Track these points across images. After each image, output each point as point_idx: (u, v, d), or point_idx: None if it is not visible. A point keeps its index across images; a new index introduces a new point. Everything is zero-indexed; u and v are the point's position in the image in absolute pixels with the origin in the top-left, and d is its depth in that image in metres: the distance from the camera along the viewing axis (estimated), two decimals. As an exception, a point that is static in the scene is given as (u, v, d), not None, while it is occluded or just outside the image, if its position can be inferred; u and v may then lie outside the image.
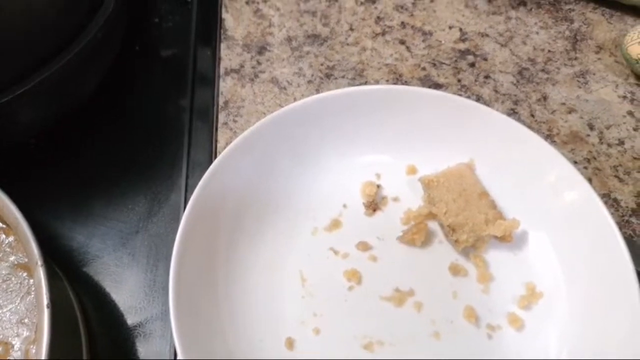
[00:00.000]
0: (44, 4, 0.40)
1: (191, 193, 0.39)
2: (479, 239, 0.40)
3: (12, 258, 0.38)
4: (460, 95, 0.48)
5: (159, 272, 0.43)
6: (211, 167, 0.39)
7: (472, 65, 0.51)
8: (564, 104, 0.49)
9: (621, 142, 0.47)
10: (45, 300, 0.32)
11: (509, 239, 0.40)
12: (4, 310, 0.36)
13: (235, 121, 0.48)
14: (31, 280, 0.37)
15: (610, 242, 0.37)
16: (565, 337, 0.37)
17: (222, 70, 0.51)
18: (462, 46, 0.52)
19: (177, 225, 0.44)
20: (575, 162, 0.46)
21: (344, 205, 0.43)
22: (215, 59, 0.52)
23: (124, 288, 0.43)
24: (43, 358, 0.31)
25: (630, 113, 0.48)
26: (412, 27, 0.53)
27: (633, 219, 0.44)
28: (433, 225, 0.42)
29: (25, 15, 0.39)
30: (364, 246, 0.41)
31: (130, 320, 0.41)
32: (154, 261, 0.43)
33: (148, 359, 0.40)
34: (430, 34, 0.53)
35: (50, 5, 0.41)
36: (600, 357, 0.35)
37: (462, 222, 0.40)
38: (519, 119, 0.47)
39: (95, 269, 0.43)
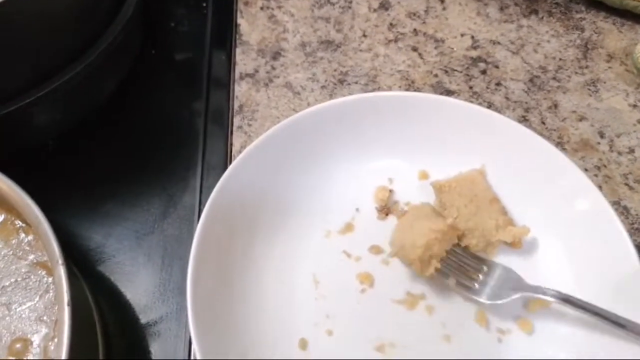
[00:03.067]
0: (63, 9, 0.41)
1: (205, 195, 0.39)
2: (489, 244, 0.40)
3: (31, 256, 0.39)
4: (471, 102, 0.49)
5: (174, 272, 0.44)
6: (228, 170, 0.40)
7: (484, 72, 0.52)
8: (574, 111, 0.50)
9: (631, 150, 0.47)
10: (65, 298, 0.33)
11: (518, 245, 0.41)
12: (24, 307, 0.37)
13: (250, 125, 0.49)
14: (50, 279, 0.38)
15: (621, 249, 0.37)
16: (574, 343, 0.37)
17: (237, 75, 0.52)
18: (473, 53, 0.53)
19: (192, 226, 0.45)
20: (585, 170, 0.46)
21: (357, 209, 0.43)
22: (230, 63, 0.53)
23: (139, 287, 0.43)
24: (63, 355, 0.32)
25: (641, 121, 0.49)
26: (425, 34, 0.54)
27: (643, 227, 0.44)
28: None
29: (44, 21, 0.40)
30: (376, 250, 0.42)
31: (145, 319, 0.42)
32: (169, 261, 0.44)
33: (161, 358, 0.41)
34: (443, 41, 0.54)
35: (69, 11, 0.42)
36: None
37: (472, 227, 0.40)
38: (530, 126, 0.48)
39: (111, 268, 0.44)
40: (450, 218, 0.40)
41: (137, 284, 0.43)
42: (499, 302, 0.38)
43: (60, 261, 0.34)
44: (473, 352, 0.38)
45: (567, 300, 0.36)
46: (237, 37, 0.54)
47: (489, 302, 0.38)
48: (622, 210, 0.45)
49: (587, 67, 0.52)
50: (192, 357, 0.40)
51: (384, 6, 0.56)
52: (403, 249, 0.38)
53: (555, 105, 0.50)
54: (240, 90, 0.51)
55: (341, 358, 0.38)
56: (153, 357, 0.41)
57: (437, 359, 0.38)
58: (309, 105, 0.49)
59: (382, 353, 0.38)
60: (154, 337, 0.41)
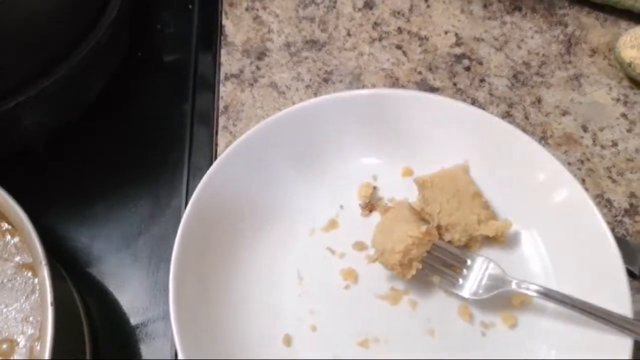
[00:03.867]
0: (49, 10, 0.41)
1: (192, 196, 0.40)
2: (471, 238, 0.41)
3: (17, 258, 0.39)
4: (455, 98, 0.49)
5: (161, 273, 0.44)
6: (210, 169, 0.40)
7: (468, 69, 0.52)
8: (558, 106, 0.50)
9: (614, 144, 0.48)
10: (49, 298, 0.33)
11: (501, 239, 0.41)
12: (10, 308, 0.37)
13: (235, 125, 0.49)
14: (36, 280, 0.38)
15: (602, 241, 0.38)
16: (558, 336, 0.38)
17: (222, 75, 0.52)
18: (457, 50, 0.53)
19: (178, 227, 0.45)
20: (569, 164, 0.47)
21: (341, 206, 0.44)
22: (215, 64, 0.53)
23: (127, 289, 0.43)
24: (47, 355, 0.32)
25: (624, 115, 0.49)
26: (409, 32, 0.54)
27: (626, 219, 0.44)
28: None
29: (29, 22, 0.40)
30: (360, 246, 0.42)
31: (133, 320, 0.42)
32: (156, 262, 0.44)
33: (150, 359, 0.41)
34: (427, 39, 0.54)
35: (55, 12, 0.42)
36: (591, 356, 0.36)
37: (455, 222, 0.40)
38: (513, 122, 0.48)
39: (98, 269, 0.44)
40: (430, 219, 0.40)
41: (124, 285, 0.44)
42: (482, 297, 0.38)
43: (43, 262, 0.34)
44: (457, 346, 0.38)
45: (548, 295, 0.36)
46: (222, 38, 0.54)
47: (472, 297, 0.38)
48: (606, 203, 0.45)
49: (570, 62, 0.52)
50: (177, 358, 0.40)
51: (369, 5, 0.56)
52: (383, 254, 0.38)
53: (539, 101, 0.50)
54: (226, 90, 0.51)
55: (325, 353, 0.38)
56: (141, 358, 0.41)
57: (421, 353, 0.38)
58: (294, 104, 0.49)
59: (366, 348, 0.38)
60: (141, 338, 0.42)
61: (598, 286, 0.37)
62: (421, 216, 0.40)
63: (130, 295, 0.43)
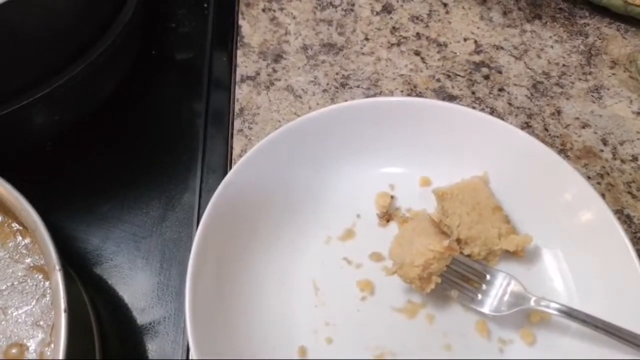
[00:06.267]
0: (64, 9, 0.41)
1: (205, 198, 0.39)
2: (491, 252, 0.40)
3: (28, 260, 0.38)
4: (474, 107, 0.49)
5: (172, 275, 0.43)
6: (228, 174, 0.40)
7: (487, 77, 0.51)
8: (577, 118, 0.49)
9: (635, 158, 0.47)
10: (62, 304, 0.33)
11: (521, 254, 0.40)
12: (20, 312, 0.37)
13: (250, 128, 0.48)
14: (46, 283, 0.37)
15: (624, 259, 0.37)
16: (577, 355, 0.37)
17: (238, 77, 0.51)
18: (476, 58, 0.52)
19: (190, 229, 0.45)
20: (588, 178, 0.46)
21: (358, 216, 0.43)
22: (231, 65, 0.52)
23: (137, 291, 0.43)
24: (59, 361, 0.31)
25: (644, 129, 0.49)
26: (427, 38, 0.54)
27: (645, 236, 0.44)
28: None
29: (44, 20, 0.40)
30: (377, 257, 0.41)
31: (142, 322, 0.42)
32: (167, 265, 0.44)
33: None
34: (445, 45, 0.53)
35: (70, 10, 0.41)
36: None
37: (474, 236, 0.40)
38: (532, 133, 0.48)
39: (108, 271, 0.44)
40: (449, 231, 0.40)
41: (135, 287, 0.43)
42: (502, 314, 0.38)
43: (57, 267, 0.34)
44: (474, 362, 0.38)
45: (570, 314, 0.36)
46: (239, 38, 0.53)
47: (492, 313, 0.38)
48: (625, 219, 0.44)
49: (590, 73, 0.52)
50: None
51: (387, 9, 0.55)
52: (402, 268, 0.37)
53: (559, 112, 0.49)
54: (241, 92, 0.50)
55: (341, 367, 0.37)
56: (150, 359, 0.40)
57: (437, 368, 0.38)
58: (310, 108, 0.49)
59: (382, 362, 0.38)
60: (151, 341, 0.41)
61: (621, 307, 0.36)
62: (441, 229, 0.40)
63: (140, 297, 0.43)
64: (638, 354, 0.34)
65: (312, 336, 0.38)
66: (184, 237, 0.45)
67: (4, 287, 0.37)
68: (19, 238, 0.39)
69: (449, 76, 0.51)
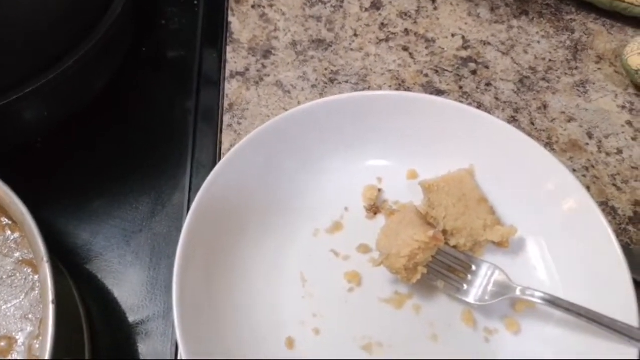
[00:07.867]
0: (54, 3, 0.41)
1: (195, 193, 0.39)
2: (476, 243, 0.41)
3: (17, 254, 0.38)
4: (461, 102, 0.49)
5: (162, 270, 0.43)
6: (216, 167, 0.40)
7: (474, 72, 0.52)
8: (563, 112, 0.50)
9: (619, 151, 0.48)
10: (50, 296, 0.33)
11: (506, 244, 0.41)
12: (9, 305, 0.37)
13: (239, 123, 0.49)
14: (36, 277, 0.38)
15: (608, 249, 0.37)
16: (561, 343, 0.37)
17: (227, 73, 0.52)
18: (464, 54, 0.53)
19: (180, 224, 0.45)
20: (573, 170, 0.46)
21: (346, 208, 0.43)
22: (220, 61, 0.52)
23: (127, 286, 0.43)
24: (47, 353, 0.31)
25: (629, 123, 0.49)
26: (416, 34, 0.54)
27: (630, 227, 0.44)
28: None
29: (34, 15, 0.40)
30: (364, 249, 0.42)
31: (132, 318, 0.42)
32: (157, 260, 0.44)
33: (149, 358, 0.40)
34: (433, 41, 0.54)
35: (60, 5, 0.41)
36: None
37: (460, 227, 0.40)
38: (519, 127, 0.48)
39: (98, 266, 0.44)
40: (436, 223, 0.40)
41: (125, 283, 0.43)
42: (486, 303, 0.38)
43: (45, 259, 0.34)
44: (460, 352, 0.38)
45: (554, 302, 0.36)
46: (228, 35, 0.54)
47: (477, 303, 0.38)
48: (610, 211, 0.45)
49: (576, 68, 0.52)
50: (179, 357, 0.40)
51: (376, 6, 0.56)
52: (388, 258, 0.38)
53: (545, 106, 0.50)
54: (231, 88, 0.51)
55: (328, 357, 0.38)
56: (140, 357, 0.41)
57: (424, 358, 0.38)
58: (299, 104, 0.49)
59: (369, 352, 0.38)
60: (141, 336, 0.41)
61: (604, 294, 0.37)
62: (427, 220, 0.40)
63: (130, 293, 0.43)
64: (619, 340, 0.35)
65: (300, 327, 0.39)
66: (174, 232, 0.45)
67: (-7, 281, 0.37)
68: (8, 232, 0.39)
69: (436, 71, 0.52)
